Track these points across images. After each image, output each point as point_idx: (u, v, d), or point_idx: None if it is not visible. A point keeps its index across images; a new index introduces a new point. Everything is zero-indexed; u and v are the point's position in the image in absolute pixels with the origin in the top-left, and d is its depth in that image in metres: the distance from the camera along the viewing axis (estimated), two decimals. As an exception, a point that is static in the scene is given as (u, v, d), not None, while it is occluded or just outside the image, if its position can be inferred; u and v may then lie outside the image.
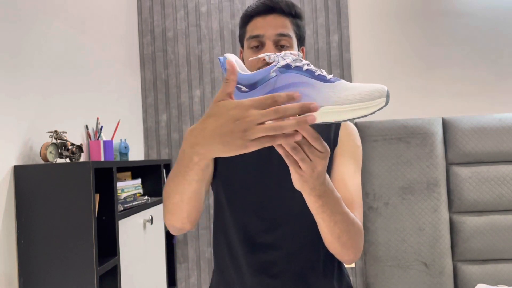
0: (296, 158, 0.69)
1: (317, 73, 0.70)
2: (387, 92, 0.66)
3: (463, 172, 2.68)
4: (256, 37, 1.05)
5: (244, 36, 1.10)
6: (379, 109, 0.66)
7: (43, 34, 1.80)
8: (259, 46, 1.06)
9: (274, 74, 0.71)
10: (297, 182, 0.74)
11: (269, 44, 1.04)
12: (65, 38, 1.98)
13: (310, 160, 0.69)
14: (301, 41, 1.11)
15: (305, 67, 0.71)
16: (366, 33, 2.92)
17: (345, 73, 2.89)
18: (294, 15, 1.08)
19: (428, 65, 2.88)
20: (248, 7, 1.10)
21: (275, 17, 1.06)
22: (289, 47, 1.06)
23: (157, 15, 2.99)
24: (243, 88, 0.72)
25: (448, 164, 2.73)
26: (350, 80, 2.88)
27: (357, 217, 0.97)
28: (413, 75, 2.89)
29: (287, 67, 0.71)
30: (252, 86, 0.72)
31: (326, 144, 0.70)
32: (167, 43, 2.98)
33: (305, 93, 0.69)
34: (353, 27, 2.92)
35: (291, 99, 0.63)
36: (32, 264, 1.56)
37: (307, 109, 0.62)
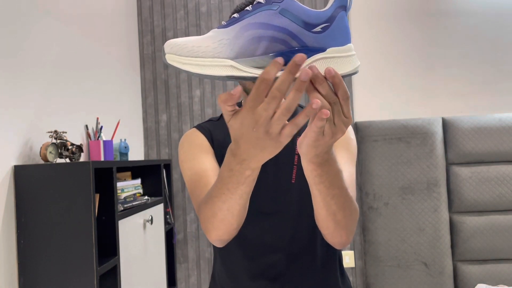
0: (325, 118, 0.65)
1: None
2: None
3: (463, 172, 2.68)
4: None
5: None
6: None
7: (43, 34, 1.80)
8: None
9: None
10: (306, 146, 0.70)
11: None
12: (65, 38, 1.98)
13: (335, 124, 0.66)
14: None
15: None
16: (366, 33, 2.92)
17: (345, 73, 2.88)
18: None
19: (428, 65, 2.88)
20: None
21: None
22: None
23: (157, 15, 2.99)
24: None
25: (448, 164, 2.73)
26: (350, 81, 2.88)
27: None
28: (413, 75, 2.89)
29: None
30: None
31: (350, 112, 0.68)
32: (167, 43, 2.98)
33: None
34: (353, 27, 2.92)
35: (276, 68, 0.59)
36: (32, 264, 1.56)
37: (295, 67, 0.58)
